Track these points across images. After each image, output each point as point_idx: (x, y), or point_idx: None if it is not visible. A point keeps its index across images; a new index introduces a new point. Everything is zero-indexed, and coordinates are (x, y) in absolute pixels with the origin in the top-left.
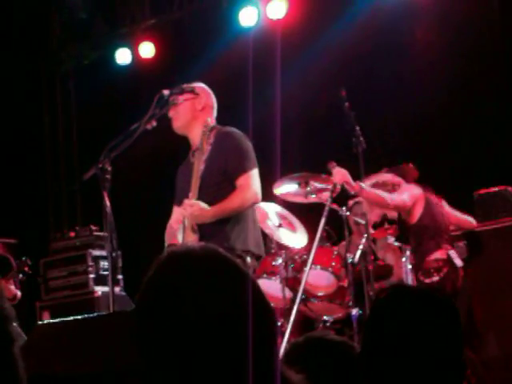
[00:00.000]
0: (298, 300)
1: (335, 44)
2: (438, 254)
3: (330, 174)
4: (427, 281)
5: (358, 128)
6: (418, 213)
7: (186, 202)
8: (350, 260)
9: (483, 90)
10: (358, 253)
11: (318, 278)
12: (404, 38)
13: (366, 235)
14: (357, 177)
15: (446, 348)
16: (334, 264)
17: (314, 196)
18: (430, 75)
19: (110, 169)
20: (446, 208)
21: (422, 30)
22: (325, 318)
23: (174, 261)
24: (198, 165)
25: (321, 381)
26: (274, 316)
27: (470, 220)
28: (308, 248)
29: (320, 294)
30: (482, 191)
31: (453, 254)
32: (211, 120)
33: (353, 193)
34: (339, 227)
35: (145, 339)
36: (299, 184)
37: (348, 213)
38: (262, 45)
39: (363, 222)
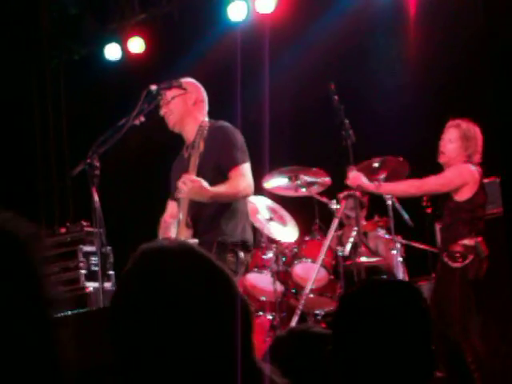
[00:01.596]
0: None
1: (324, 38)
2: (467, 241)
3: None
4: (452, 265)
5: (347, 121)
6: (469, 192)
7: (187, 176)
8: (340, 253)
9: (474, 83)
10: (349, 246)
11: (308, 271)
12: (393, 32)
13: (356, 228)
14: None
15: (415, 338)
16: (325, 257)
17: (304, 189)
18: (420, 68)
19: (98, 164)
20: None
21: (412, 24)
22: (316, 311)
23: (147, 257)
24: (195, 160)
25: (304, 374)
26: (250, 313)
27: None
28: (299, 241)
29: (311, 287)
30: None
31: (480, 241)
32: (203, 114)
33: (373, 191)
34: (330, 220)
35: (117, 336)
36: (289, 178)
37: (338, 206)
38: (251, 39)
39: (353, 215)
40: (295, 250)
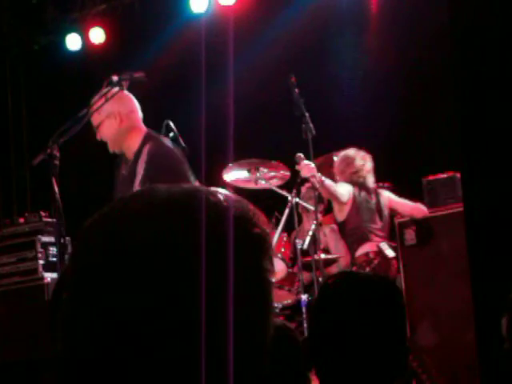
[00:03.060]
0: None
1: (286, 31)
2: (367, 247)
3: (295, 165)
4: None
5: (307, 114)
6: (345, 211)
7: None
8: (299, 246)
9: (435, 77)
10: (308, 239)
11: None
12: (356, 26)
13: (315, 221)
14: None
15: (390, 333)
16: (283, 250)
17: (263, 182)
18: (381, 62)
19: (58, 154)
20: (395, 199)
21: (374, 18)
22: (274, 304)
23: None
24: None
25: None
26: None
27: (422, 208)
28: None
29: None
30: (431, 177)
31: (384, 245)
32: (139, 122)
33: (317, 185)
34: (289, 213)
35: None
36: (249, 170)
37: (297, 199)
38: (213, 31)
39: (312, 208)
40: None
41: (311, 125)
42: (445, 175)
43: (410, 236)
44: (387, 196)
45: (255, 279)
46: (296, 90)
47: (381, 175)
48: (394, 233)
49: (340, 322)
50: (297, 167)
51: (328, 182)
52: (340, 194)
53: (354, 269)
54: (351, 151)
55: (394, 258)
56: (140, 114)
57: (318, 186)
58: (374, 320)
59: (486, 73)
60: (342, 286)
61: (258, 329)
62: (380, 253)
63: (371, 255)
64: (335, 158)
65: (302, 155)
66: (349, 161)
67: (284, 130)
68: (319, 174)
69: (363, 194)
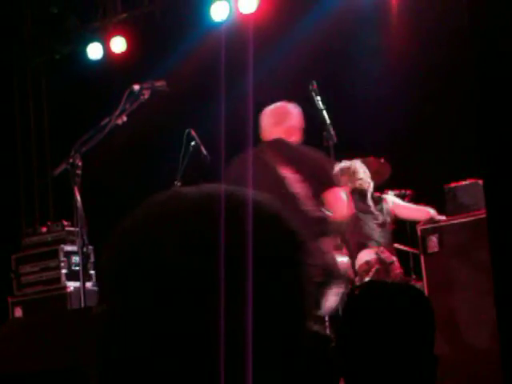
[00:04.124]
0: None
1: (307, 37)
2: (366, 256)
3: None
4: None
5: (328, 121)
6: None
7: None
8: None
9: (456, 80)
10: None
11: None
12: (377, 31)
13: None
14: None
15: (419, 342)
16: None
17: None
18: (402, 70)
19: (80, 164)
20: (399, 203)
21: (395, 22)
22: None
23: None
24: None
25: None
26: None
27: (427, 210)
28: None
29: None
30: (453, 184)
31: (381, 251)
32: None
33: None
34: None
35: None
36: None
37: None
38: (234, 39)
39: None
40: None
41: (333, 132)
42: (467, 182)
43: (432, 243)
44: (391, 201)
45: (286, 276)
46: (317, 97)
47: (402, 182)
48: (416, 239)
49: (368, 332)
50: None
51: None
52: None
53: (357, 279)
54: (349, 163)
55: (393, 263)
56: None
57: None
58: (402, 329)
59: (507, 76)
60: (369, 297)
61: (288, 332)
62: (379, 260)
63: (371, 262)
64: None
65: None
66: (347, 172)
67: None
68: None
69: (360, 201)
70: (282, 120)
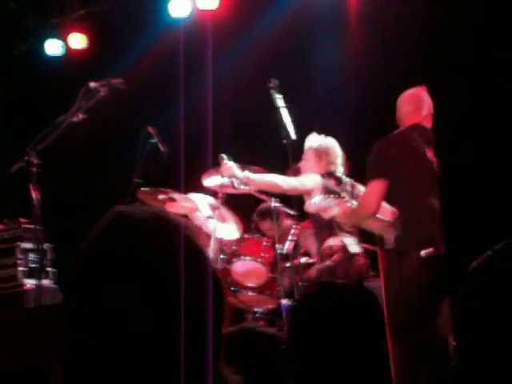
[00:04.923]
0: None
1: (267, 35)
2: (332, 241)
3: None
4: (320, 266)
5: (287, 119)
6: None
7: None
8: (279, 251)
9: (412, 84)
10: (287, 244)
11: (248, 269)
12: (335, 29)
13: (295, 226)
14: (285, 168)
15: (369, 340)
16: (264, 255)
17: (243, 187)
18: (360, 68)
19: (36, 162)
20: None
21: (354, 21)
22: (255, 309)
23: (116, 225)
24: None
25: (256, 372)
26: (221, 286)
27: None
28: (238, 239)
29: (250, 285)
30: None
31: (349, 241)
32: None
33: (239, 186)
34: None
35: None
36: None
37: (278, 204)
38: (193, 36)
39: (293, 212)
40: (234, 247)
41: (291, 129)
42: None
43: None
44: (361, 189)
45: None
46: (276, 95)
47: (362, 179)
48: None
49: (318, 334)
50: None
51: (257, 176)
52: (283, 182)
53: (319, 261)
54: (328, 140)
55: (357, 254)
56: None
57: (241, 186)
58: (352, 329)
59: (460, 75)
60: (319, 299)
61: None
62: (344, 248)
63: (334, 249)
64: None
65: (223, 155)
66: (325, 151)
67: (264, 135)
68: (243, 173)
69: (334, 185)
70: (421, 106)
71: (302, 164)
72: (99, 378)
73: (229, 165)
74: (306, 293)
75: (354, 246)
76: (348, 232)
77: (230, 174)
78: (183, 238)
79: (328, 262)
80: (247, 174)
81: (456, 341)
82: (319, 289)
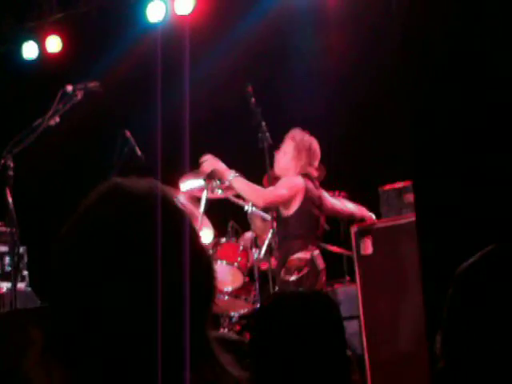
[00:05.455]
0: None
1: (243, 40)
2: (302, 254)
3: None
4: (287, 278)
5: (263, 124)
6: (295, 206)
7: None
8: (255, 255)
9: (391, 87)
10: (264, 248)
11: (224, 273)
12: (313, 34)
13: (271, 230)
14: (263, 172)
15: (329, 348)
16: (240, 259)
17: (220, 192)
18: (338, 72)
19: (12, 165)
20: (328, 200)
21: (330, 27)
22: (231, 313)
23: (111, 199)
24: None
25: None
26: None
27: (349, 207)
28: (214, 243)
29: (226, 289)
30: (387, 187)
31: (316, 255)
32: None
33: (226, 182)
34: (246, 222)
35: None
36: (204, 179)
37: (253, 208)
38: (170, 40)
39: (269, 217)
40: (210, 251)
41: (267, 134)
42: (401, 185)
43: (366, 245)
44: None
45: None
46: (252, 99)
47: (336, 184)
48: (350, 241)
49: (279, 344)
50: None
51: (241, 180)
52: (261, 197)
53: (283, 273)
54: (311, 139)
55: (324, 269)
56: None
57: (218, 190)
58: (310, 337)
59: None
60: (279, 308)
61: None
62: (311, 262)
63: (302, 262)
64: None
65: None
66: (306, 149)
67: (241, 139)
68: (231, 174)
69: (314, 189)
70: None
71: (279, 155)
72: (89, 340)
73: (213, 157)
74: (264, 303)
75: (320, 260)
76: (318, 240)
77: (215, 167)
78: (178, 213)
79: (294, 277)
80: (233, 174)
81: (443, 342)
82: (273, 302)
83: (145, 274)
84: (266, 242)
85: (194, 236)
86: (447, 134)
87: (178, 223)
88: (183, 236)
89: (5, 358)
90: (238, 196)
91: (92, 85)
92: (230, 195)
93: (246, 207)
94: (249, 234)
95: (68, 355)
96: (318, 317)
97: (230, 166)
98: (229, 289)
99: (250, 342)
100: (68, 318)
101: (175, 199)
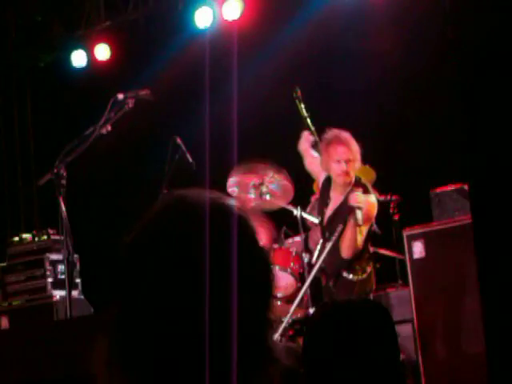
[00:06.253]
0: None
1: (291, 43)
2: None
3: None
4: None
5: (312, 128)
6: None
7: None
8: (306, 260)
9: (441, 88)
10: (316, 252)
11: (276, 278)
12: (360, 37)
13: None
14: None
15: (383, 356)
16: (292, 264)
17: (268, 197)
18: (386, 75)
19: (65, 174)
20: None
21: (377, 30)
22: (283, 319)
23: (170, 210)
24: None
25: None
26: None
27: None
28: (269, 249)
29: (279, 295)
30: (439, 189)
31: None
32: None
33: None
34: (297, 227)
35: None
36: (253, 185)
37: (303, 213)
38: (218, 46)
39: (317, 220)
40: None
41: (317, 138)
42: (452, 187)
43: (418, 249)
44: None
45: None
46: (301, 104)
47: (388, 188)
48: (402, 245)
49: (335, 354)
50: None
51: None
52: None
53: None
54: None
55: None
56: None
57: (267, 195)
58: (367, 346)
59: (493, 79)
60: (331, 319)
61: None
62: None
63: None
64: None
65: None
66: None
67: (289, 144)
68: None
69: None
70: None
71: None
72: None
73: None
74: (312, 318)
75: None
76: None
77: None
78: (239, 225)
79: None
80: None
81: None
82: (326, 309)
83: (210, 280)
84: (318, 247)
85: (254, 240)
86: (505, 132)
87: (244, 230)
88: (246, 241)
89: (76, 364)
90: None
91: (143, 93)
92: (278, 200)
93: (295, 211)
94: (298, 238)
95: (126, 362)
96: (370, 326)
97: (279, 170)
98: (281, 294)
99: (303, 351)
100: (139, 322)
101: (237, 207)
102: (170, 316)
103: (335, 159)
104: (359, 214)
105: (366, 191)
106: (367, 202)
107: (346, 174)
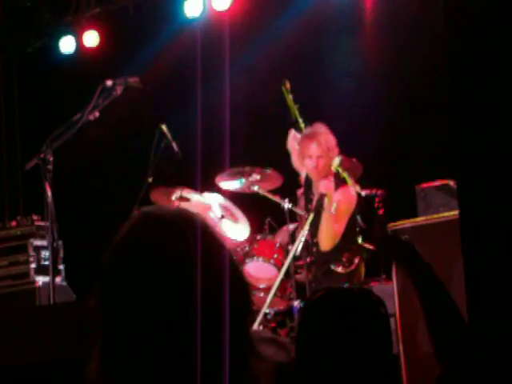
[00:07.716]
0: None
1: (281, 36)
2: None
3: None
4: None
5: (301, 120)
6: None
7: None
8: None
9: (429, 84)
10: (300, 245)
11: (260, 270)
12: (351, 32)
13: (307, 227)
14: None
15: (376, 347)
16: (276, 256)
17: (256, 187)
18: (376, 70)
19: (51, 159)
20: None
21: (370, 24)
22: (266, 310)
23: (143, 227)
24: None
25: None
26: (248, 292)
27: None
28: (250, 240)
29: (262, 286)
30: (424, 185)
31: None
32: None
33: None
34: (282, 219)
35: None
36: (242, 175)
37: (290, 205)
38: (208, 36)
39: (303, 213)
40: (247, 248)
41: (304, 130)
42: (438, 183)
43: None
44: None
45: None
46: (290, 96)
47: (373, 183)
48: None
49: (327, 342)
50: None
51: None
52: None
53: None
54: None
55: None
56: None
57: (254, 187)
58: (358, 334)
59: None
60: (325, 306)
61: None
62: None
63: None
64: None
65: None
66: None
67: (278, 135)
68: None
69: None
70: None
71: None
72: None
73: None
74: (312, 296)
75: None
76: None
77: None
78: (206, 236)
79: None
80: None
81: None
82: (325, 293)
83: (184, 294)
84: (302, 239)
85: (220, 243)
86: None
87: (210, 242)
88: (216, 253)
89: (58, 350)
90: (274, 192)
91: (132, 80)
92: (266, 192)
93: (282, 204)
94: (286, 228)
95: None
96: (367, 314)
97: (267, 162)
98: (264, 286)
99: (296, 336)
100: (115, 341)
101: (204, 222)
102: (154, 328)
103: (307, 155)
104: (334, 206)
105: (343, 183)
106: (344, 193)
107: (317, 169)
